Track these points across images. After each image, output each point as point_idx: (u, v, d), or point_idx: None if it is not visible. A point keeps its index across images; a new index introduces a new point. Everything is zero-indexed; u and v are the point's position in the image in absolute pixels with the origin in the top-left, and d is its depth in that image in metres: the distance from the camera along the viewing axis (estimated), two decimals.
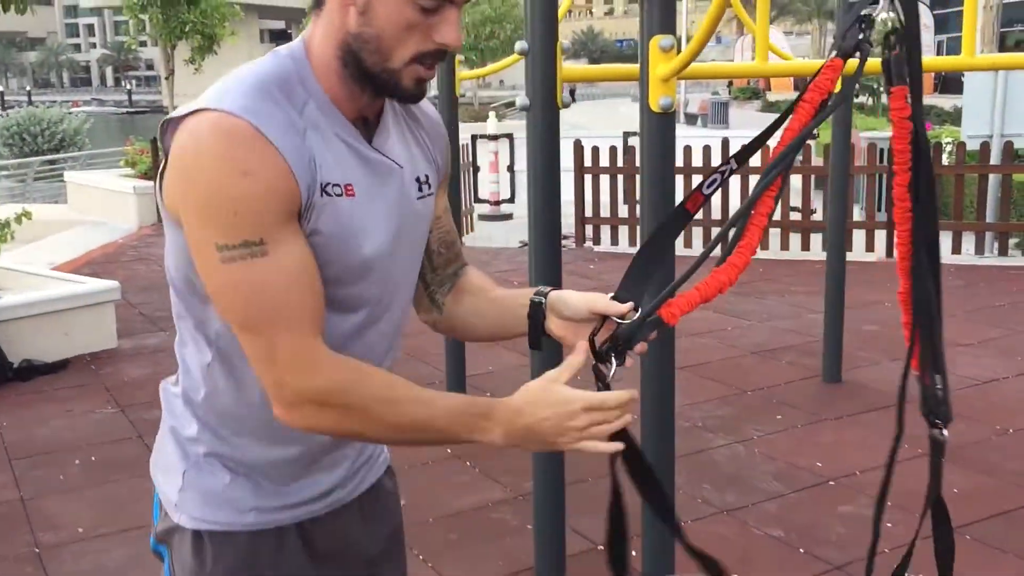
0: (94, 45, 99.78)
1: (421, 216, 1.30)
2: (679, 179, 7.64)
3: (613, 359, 1.18)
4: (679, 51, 2.43)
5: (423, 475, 3.75)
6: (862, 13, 1.12)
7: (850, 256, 5.64)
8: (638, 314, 1.18)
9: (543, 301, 1.32)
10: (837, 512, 3.42)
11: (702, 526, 3.32)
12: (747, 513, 3.43)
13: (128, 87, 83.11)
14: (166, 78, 15.10)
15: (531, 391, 1.14)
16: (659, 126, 2.51)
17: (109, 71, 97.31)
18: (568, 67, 2.73)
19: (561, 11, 3.85)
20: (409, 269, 1.32)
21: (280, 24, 78.33)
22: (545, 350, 1.38)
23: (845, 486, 3.62)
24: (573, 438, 1.13)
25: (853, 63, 1.15)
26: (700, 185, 1.21)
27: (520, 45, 2.64)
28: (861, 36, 1.13)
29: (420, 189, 1.29)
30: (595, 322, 1.24)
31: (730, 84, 35.63)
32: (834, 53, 1.14)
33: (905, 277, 1.15)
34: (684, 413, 4.33)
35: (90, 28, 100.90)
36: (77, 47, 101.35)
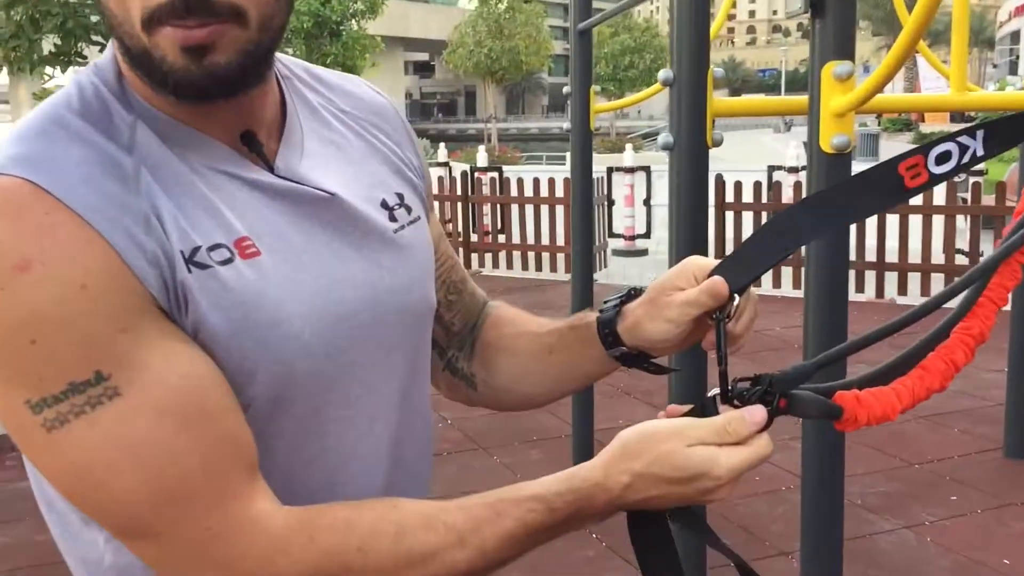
0: None
1: (408, 251, 0.89)
2: None
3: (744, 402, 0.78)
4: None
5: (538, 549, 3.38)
6: None
7: None
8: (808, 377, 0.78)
9: (617, 307, 0.94)
10: None
11: None
12: None
13: None
14: None
15: (641, 450, 0.77)
16: (832, 168, 2.10)
17: (400, 107, 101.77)
18: (720, 100, 2.35)
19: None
20: (408, 331, 0.90)
21: (424, 56, 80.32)
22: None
23: None
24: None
25: None
26: (926, 147, 0.77)
27: (664, 74, 2.28)
28: None
29: (393, 216, 0.88)
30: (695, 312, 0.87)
31: (879, 116, 34.10)
32: None
33: None
34: None
35: None
36: None
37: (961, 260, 7.64)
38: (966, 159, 0.77)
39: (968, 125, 0.78)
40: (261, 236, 0.77)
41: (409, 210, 0.91)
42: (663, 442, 0.75)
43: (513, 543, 0.76)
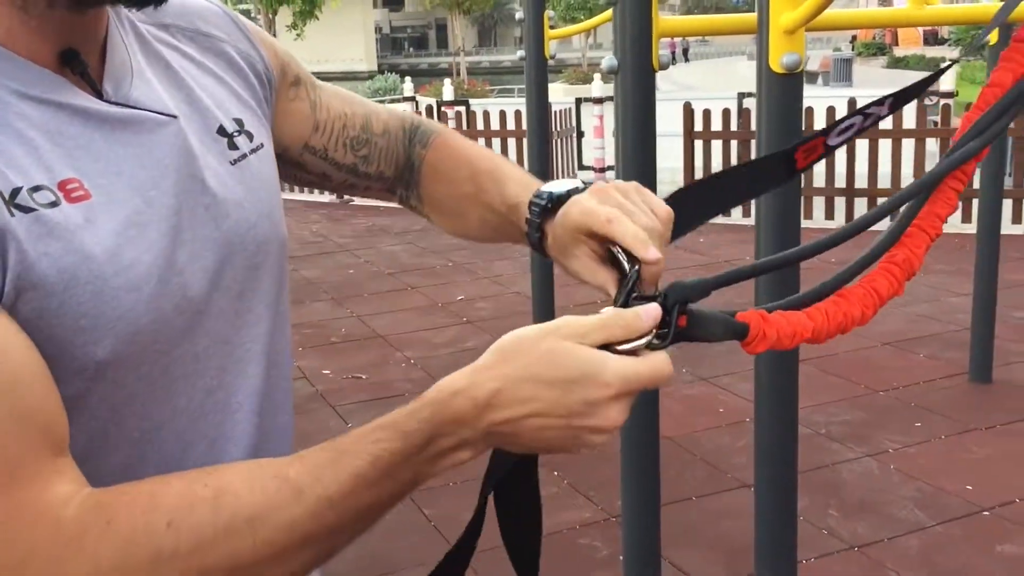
0: None
1: (252, 182, 0.79)
2: None
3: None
4: None
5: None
6: None
7: None
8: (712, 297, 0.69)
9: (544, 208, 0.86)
10: (995, 552, 2.84)
11: (828, 565, 2.80)
12: (883, 551, 2.89)
13: None
14: None
15: (515, 351, 0.63)
16: (782, 89, 1.99)
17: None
18: (666, 19, 2.22)
19: None
20: (257, 272, 0.79)
21: None
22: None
23: (1004, 518, 3.03)
24: (594, 439, 0.63)
25: None
26: (826, 130, 0.77)
27: None
28: None
29: (233, 144, 0.78)
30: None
31: (853, 39, 33.79)
32: None
33: None
34: (805, 417, 3.78)
35: None
36: None
37: None
38: (868, 123, 0.76)
39: (882, 96, 0.75)
40: (92, 175, 0.67)
41: (251, 137, 0.81)
42: (542, 340, 0.62)
43: (365, 484, 0.62)
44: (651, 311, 0.64)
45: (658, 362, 0.63)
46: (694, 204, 0.83)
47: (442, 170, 0.98)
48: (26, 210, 0.62)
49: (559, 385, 0.61)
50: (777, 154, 0.79)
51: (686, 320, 0.66)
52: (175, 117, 0.73)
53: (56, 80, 0.68)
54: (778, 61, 1.95)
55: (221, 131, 0.78)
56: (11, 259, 0.61)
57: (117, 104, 0.71)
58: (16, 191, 0.62)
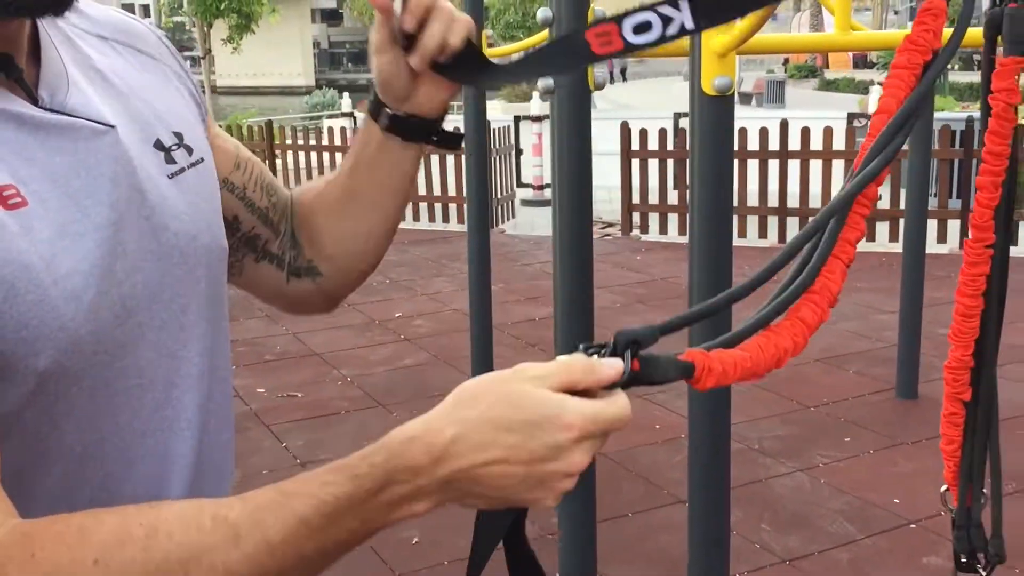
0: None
1: (191, 195, 0.78)
2: (734, 164, 7.10)
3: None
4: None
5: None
6: None
7: None
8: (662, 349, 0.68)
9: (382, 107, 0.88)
10: (921, 564, 2.91)
11: None
12: (815, 563, 2.94)
13: None
14: (202, 58, 14.81)
15: (473, 397, 0.61)
16: (714, 110, 2.03)
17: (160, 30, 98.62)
18: None
19: None
20: (199, 284, 0.78)
21: (332, 3, 78.22)
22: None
23: (928, 530, 3.11)
24: (561, 485, 0.60)
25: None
26: (619, 18, 0.73)
27: (543, 13, 2.16)
28: None
29: (171, 158, 0.77)
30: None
31: (786, 62, 34.59)
32: None
33: (960, 346, 0.80)
34: (739, 433, 3.84)
35: (146, 9, 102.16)
36: None
37: None
38: (672, 31, 0.71)
39: None
40: (28, 182, 0.66)
41: (190, 151, 0.80)
42: (501, 384, 0.60)
43: (308, 531, 0.59)
44: (614, 363, 0.62)
45: (621, 404, 0.61)
46: (480, 63, 0.84)
47: (304, 188, 0.99)
48: None
49: (520, 429, 0.58)
50: (569, 36, 0.77)
51: (638, 364, 0.65)
52: (112, 127, 0.72)
53: None
54: (710, 83, 1.99)
55: (158, 145, 0.77)
56: None
57: (53, 111, 0.70)
58: None
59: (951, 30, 0.73)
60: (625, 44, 0.73)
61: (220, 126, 0.94)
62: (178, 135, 0.80)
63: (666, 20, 0.71)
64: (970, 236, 0.78)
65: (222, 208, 0.87)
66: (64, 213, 0.67)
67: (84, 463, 0.69)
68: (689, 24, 0.70)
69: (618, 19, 0.72)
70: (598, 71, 2.27)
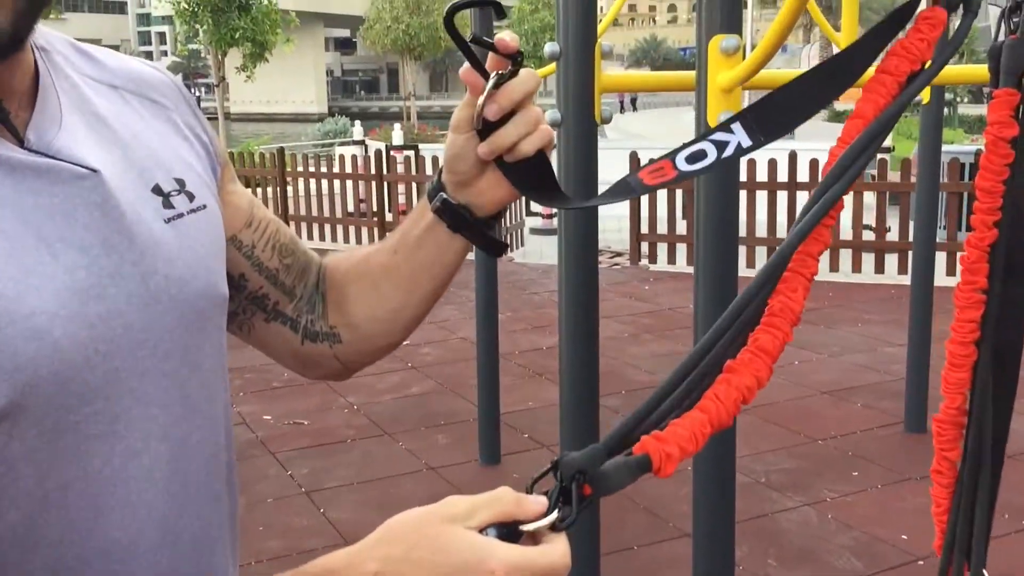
0: (165, 53, 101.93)
1: (188, 240, 0.77)
2: (743, 195, 7.11)
3: (556, 505, 0.62)
4: (744, 56, 1.96)
5: None
6: None
7: None
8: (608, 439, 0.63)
9: (442, 188, 0.88)
10: None
11: None
12: None
13: (197, 94, 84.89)
14: (216, 85, 14.94)
15: (400, 534, 0.61)
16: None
17: (179, 79, 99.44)
18: (608, 75, 2.27)
19: (609, 17, 3.41)
20: (191, 331, 0.77)
21: (346, 32, 78.92)
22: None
23: (936, 567, 3.06)
24: None
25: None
26: (672, 154, 0.73)
27: (550, 47, 2.18)
28: None
29: (169, 203, 0.76)
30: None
31: None
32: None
33: (949, 397, 0.71)
34: (745, 466, 3.82)
35: (162, 36, 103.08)
36: (149, 55, 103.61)
37: (868, 235, 7.77)
38: (728, 152, 0.70)
39: (727, 120, 0.71)
40: None
41: (191, 197, 0.79)
42: (427, 522, 0.60)
43: None
44: (539, 500, 0.60)
45: (554, 554, 0.59)
46: (544, 178, 0.84)
47: (343, 255, 0.97)
48: None
49: (441, 571, 0.58)
50: (625, 179, 0.77)
51: (589, 487, 0.62)
52: (96, 171, 0.71)
53: None
54: (716, 118, 2.00)
55: (156, 189, 0.77)
56: None
57: (37, 153, 0.70)
58: None
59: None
60: (679, 173, 0.72)
61: (232, 154, 0.93)
62: (180, 181, 0.79)
63: (721, 145, 0.71)
64: (960, 279, 0.71)
65: (228, 265, 0.86)
66: (33, 255, 0.67)
67: (46, 508, 0.67)
68: (746, 143, 0.70)
69: (672, 154, 0.72)
70: (609, 100, 2.29)
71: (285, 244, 0.93)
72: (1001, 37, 0.72)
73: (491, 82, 0.77)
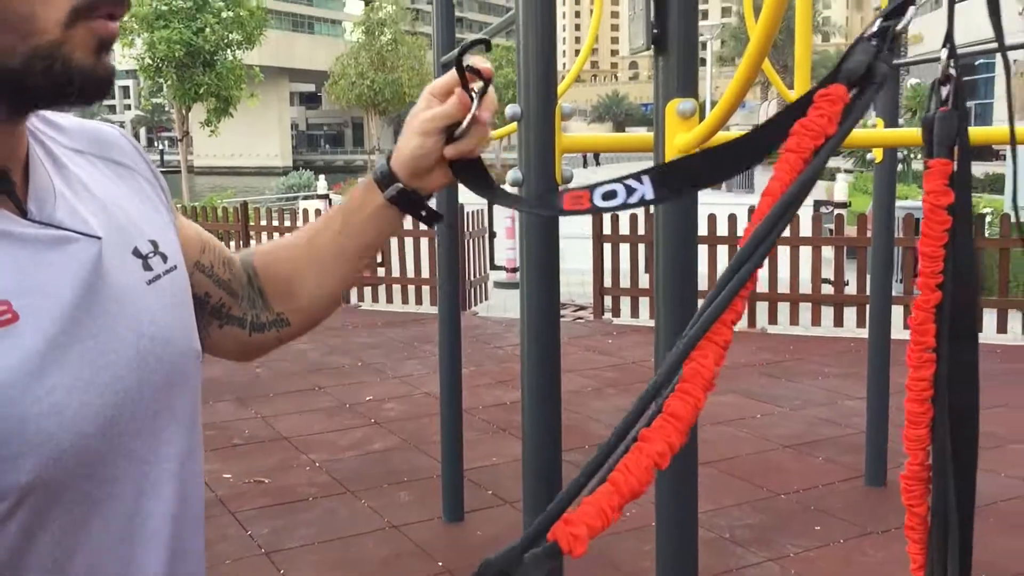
0: (129, 107, 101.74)
1: (167, 301, 0.79)
2: (702, 249, 7.20)
3: None
4: (701, 118, 2.01)
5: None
6: (881, 23, 0.66)
7: None
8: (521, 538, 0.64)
9: (394, 179, 0.98)
10: None
11: None
12: None
13: (161, 148, 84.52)
14: (180, 139, 14.94)
15: None
16: (678, 204, 2.08)
17: (143, 132, 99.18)
18: (569, 136, 2.31)
19: (571, 76, 3.47)
20: (175, 389, 0.79)
21: (311, 87, 79.42)
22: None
23: None
24: None
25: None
26: (592, 187, 0.81)
27: (511, 110, 2.22)
28: (878, 52, 0.67)
29: (148, 265, 0.79)
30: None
31: None
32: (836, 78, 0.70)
33: (912, 453, 0.70)
34: (708, 521, 3.82)
35: (126, 90, 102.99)
36: (113, 108, 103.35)
37: (827, 289, 7.89)
38: (633, 199, 0.78)
39: (640, 170, 0.80)
40: (20, 296, 0.66)
41: (165, 258, 0.81)
42: None
43: None
44: None
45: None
46: (482, 173, 0.98)
47: (267, 246, 1.04)
48: None
49: None
50: (548, 195, 0.88)
51: None
52: (99, 238, 0.73)
53: None
54: None
55: (136, 252, 0.78)
56: None
57: (42, 223, 0.71)
58: None
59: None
60: (592, 206, 0.81)
61: (195, 207, 0.97)
62: (154, 243, 0.81)
63: (630, 190, 0.78)
64: (910, 339, 0.75)
65: (195, 288, 0.90)
66: (55, 325, 0.67)
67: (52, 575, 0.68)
68: (649, 195, 0.77)
69: (592, 187, 0.81)
70: (567, 160, 2.32)
71: (227, 256, 0.99)
72: (932, 108, 0.75)
73: (477, 99, 0.95)
